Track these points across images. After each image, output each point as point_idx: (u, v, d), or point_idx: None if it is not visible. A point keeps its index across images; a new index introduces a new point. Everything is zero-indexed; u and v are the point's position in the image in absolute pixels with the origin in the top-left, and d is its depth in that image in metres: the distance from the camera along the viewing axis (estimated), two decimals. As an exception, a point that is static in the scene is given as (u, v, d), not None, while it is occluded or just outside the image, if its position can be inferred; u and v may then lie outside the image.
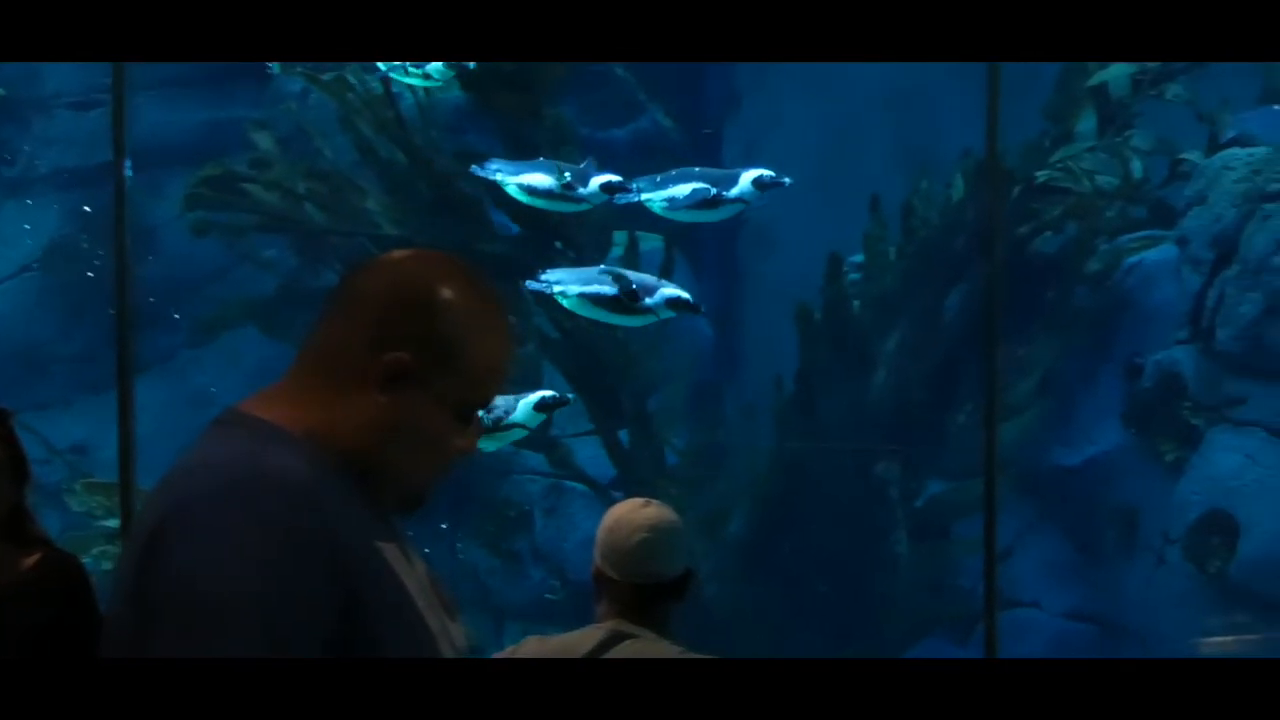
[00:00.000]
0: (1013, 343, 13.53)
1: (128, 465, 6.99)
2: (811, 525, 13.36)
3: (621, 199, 11.33)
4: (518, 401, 10.65)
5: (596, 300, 10.84)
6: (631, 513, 5.00)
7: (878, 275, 13.87)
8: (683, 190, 11.29)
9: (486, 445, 10.94)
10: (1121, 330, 13.96)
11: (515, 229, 12.83)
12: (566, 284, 10.89)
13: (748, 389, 14.78)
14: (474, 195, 12.87)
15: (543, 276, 10.98)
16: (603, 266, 11.21)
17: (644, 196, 11.35)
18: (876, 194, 13.41)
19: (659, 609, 4.95)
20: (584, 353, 12.76)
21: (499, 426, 10.63)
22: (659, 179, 11.37)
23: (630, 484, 12.67)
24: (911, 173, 14.03)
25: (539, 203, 11.23)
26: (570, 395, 11.16)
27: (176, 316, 14.71)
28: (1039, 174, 13.94)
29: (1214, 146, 14.24)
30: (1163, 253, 14.02)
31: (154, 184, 14.06)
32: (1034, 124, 13.91)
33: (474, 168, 11.35)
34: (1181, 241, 13.87)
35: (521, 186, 11.14)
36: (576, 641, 4.94)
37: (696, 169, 11.53)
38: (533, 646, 5.03)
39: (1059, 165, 14.10)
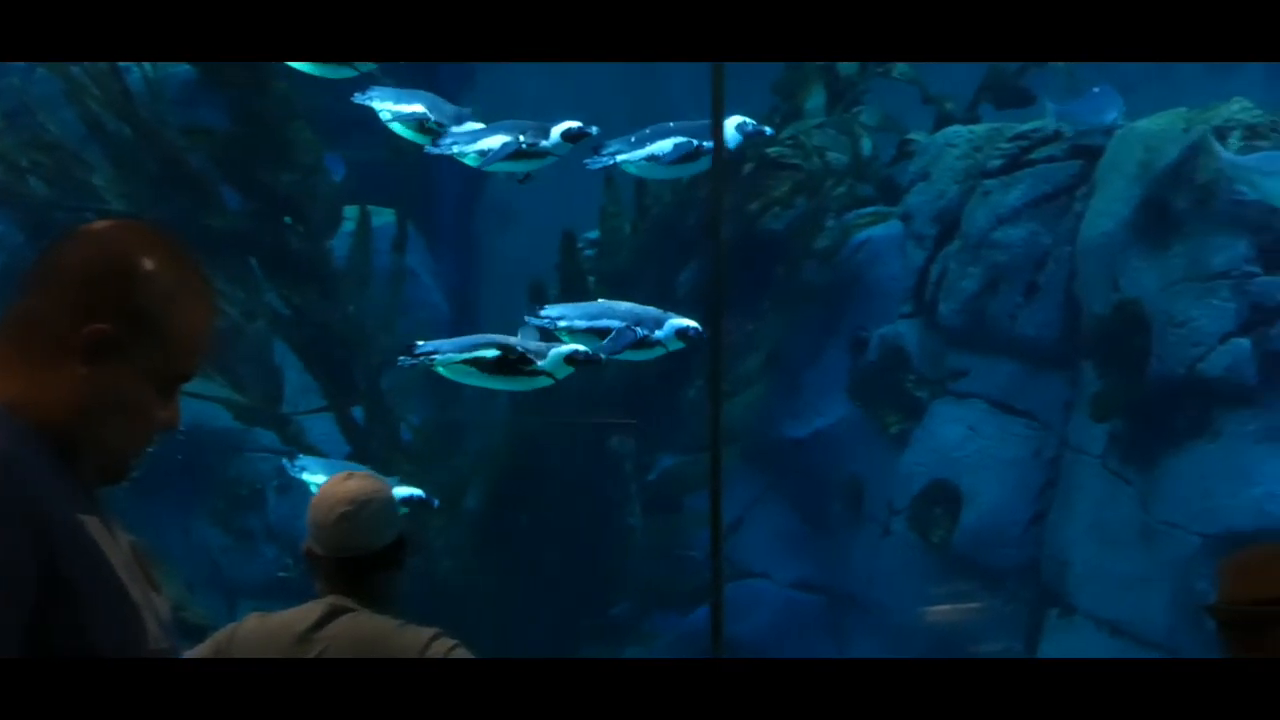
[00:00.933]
0: (742, 318, 13.71)
1: None
2: (546, 499, 13.41)
3: (594, 164, 11.20)
4: (550, 349, 10.45)
5: (604, 335, 10.76)
6: (333, 488, 5.01)
7: (613, 251, 13.97)
8: (664, 146, 11.19)
9: (515, 386, 10.72)
10: (848, 305, 14.19)
11: (243, 203, 12.71)
12: (572, 319, 10.76)
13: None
14: (202, 169, 12.72)
15: (543, 312, 10.82)
16: (602, 301, 11.04)
17: (620, 158, 11.24)
18: (611, 172, 13.49)
19: (371, 581, 4.95)
20: (316, 329, 12.67)
21: (526, 370, 10.48)
22: (634, 139, 11.25)
23: (364, 461, 12.60)
24: (645, 150, 14.12)
25: (503, 166, 10.91)
26: (603, 355, 10.73)
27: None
28: (770, 150, 14.10)
29: (939, 124, 14.57)
30: (888, 229, 14.28)
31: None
32: (764, 100, 14.06)
33: (427, 147, 10.99)
34: (906, 218, 14.16)
35: (481, 153, 10.88)
36: (296, 618, 4.93)
37: (671, 124, 11.38)
38: (254, 624, 5.01)
39: (789, 142, 14.28)
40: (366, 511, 4.93)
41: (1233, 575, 4.41)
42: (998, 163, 13.77)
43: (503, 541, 13.31)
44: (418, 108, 10.92)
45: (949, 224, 13.88)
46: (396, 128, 11.02)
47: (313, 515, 4.98)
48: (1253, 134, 12.84)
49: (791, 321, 14.16)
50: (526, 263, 13.79)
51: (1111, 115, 13.61)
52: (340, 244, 13.25)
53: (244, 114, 12.54)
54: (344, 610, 4.89)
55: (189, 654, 4.79)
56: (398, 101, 10.95)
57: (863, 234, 14.36)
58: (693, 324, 10.85)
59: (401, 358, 10.67)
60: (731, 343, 12.69)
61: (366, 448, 12.92)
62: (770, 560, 14.04)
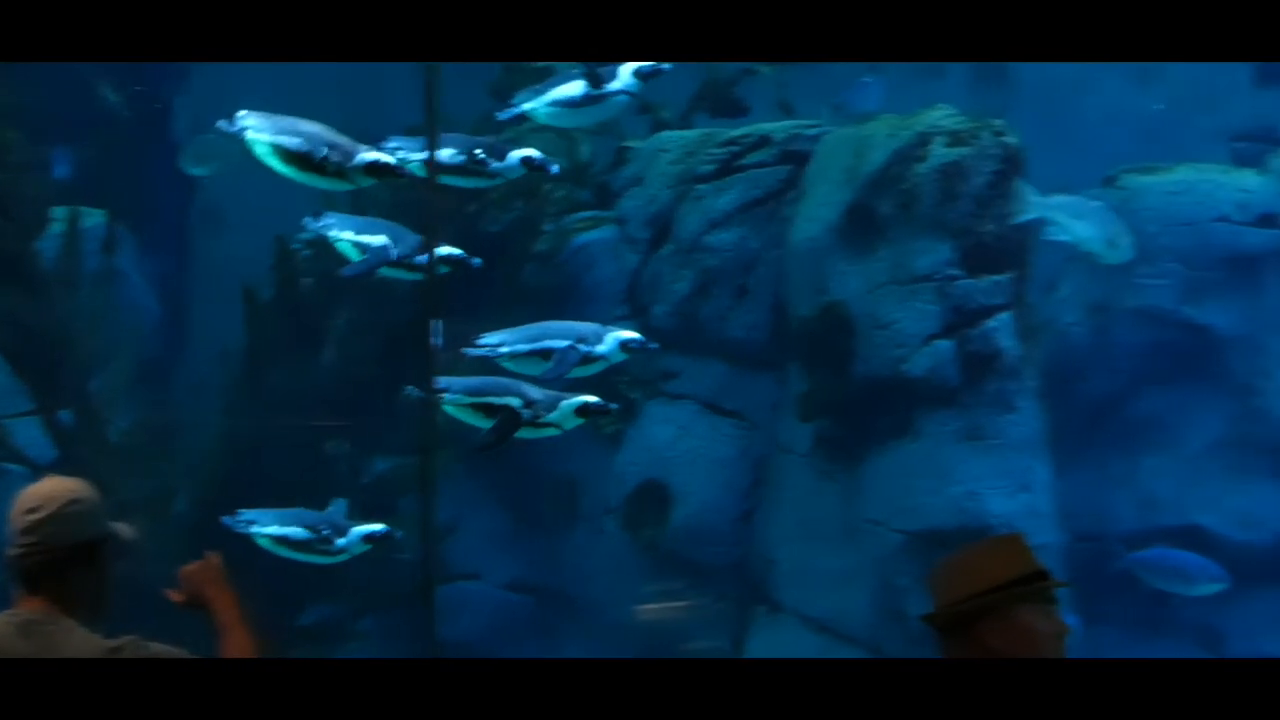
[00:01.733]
0: (461, 320, 13.71)
1: None
2: (259, 502, 13.30)
3: (504, 115, 11.20)
4: (559, 400, 10.44)
5: (548, 356, 10.72)
6: (27, 490, 4.97)
7: (328, 253, 13.89)
8: (572, 90, 11.17)
9: (520, 434, 10.62)
10: (565, 308, 14.25)
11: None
12: (513, 344, 10.79)
13: (195, 366, 14.64)
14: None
15: (481, 340, 10.80)
16: (540, 324, 11.07)
17: (526, 107, 11.21)
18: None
19: (66, 584, 4.89)
20: (21, 330, 12.45)
21: (535, 422, 10.41)
22: (540, 87, 11.23)
23: (72, 465, 12.41)
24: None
25: (445, 179, 10.66)
26: (614, 405, 10.89)
27: None
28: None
29: (655, 131, 14.71)
30: (604, 233, 14.40)
31: None
32: (481, 102, 14.09)
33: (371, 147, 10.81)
34: (620, 222, 14.30)
35: (425, 163, 10.67)
36: None
37: (576, 70, 11.30)
38: None
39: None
40: (50, 509, 4.89)
41: (940, 581, 4.46)
42: (709, 168, 13.98)
43: (213, 544, 13.12)
44: (380, 238, 10.81)
45: (661, 228, 14.05)
46: (345, 248, 10.95)
47: (9, 519, 4.94)
48: (955, 140, 13.16)
49: (509, 324, 14.20)
50: (240, 265, 13.67)
51: (876, 104, 14.05)
52: (49, 245, 13.02)
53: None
54: (39, 622, 4.83)
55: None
56: (359, 232, 10.89)
57: (581, 238, 14.45)
58: (635, 335, 11.01)
59: (409, 388, 10.64)
60: (447, 345, 12.71)
61: (74, 451, 12.71)
62: (483, 561, 14.04)
